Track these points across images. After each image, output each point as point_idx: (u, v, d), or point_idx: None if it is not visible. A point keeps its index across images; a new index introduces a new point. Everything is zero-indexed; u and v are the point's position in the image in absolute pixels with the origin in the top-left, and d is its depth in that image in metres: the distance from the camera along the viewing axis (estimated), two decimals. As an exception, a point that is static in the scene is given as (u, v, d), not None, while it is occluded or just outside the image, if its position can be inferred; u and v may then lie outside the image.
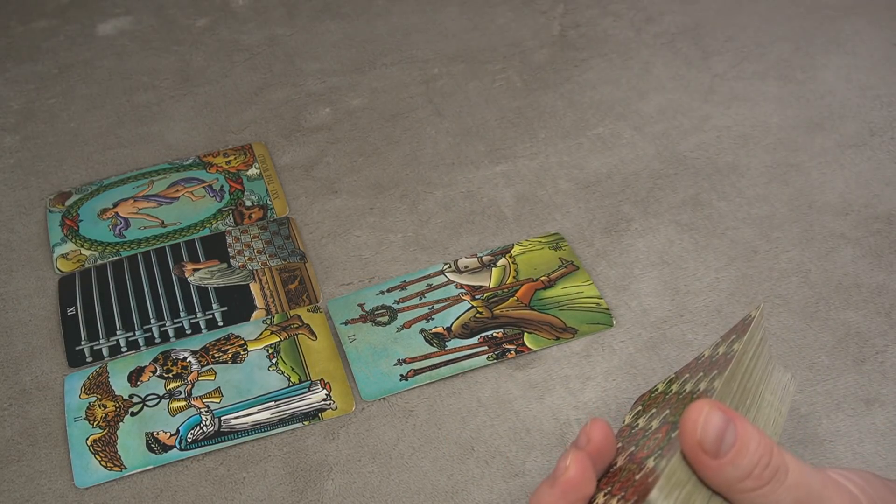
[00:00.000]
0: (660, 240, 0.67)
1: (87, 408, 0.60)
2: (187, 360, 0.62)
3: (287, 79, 0.83)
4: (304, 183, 0.74)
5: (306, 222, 0.71)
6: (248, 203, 0.72)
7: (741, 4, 0.87)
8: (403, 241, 0.69)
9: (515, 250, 0.67)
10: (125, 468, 0.57)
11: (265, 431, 0.58)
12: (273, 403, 0.59)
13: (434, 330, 0.62)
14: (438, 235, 0.69)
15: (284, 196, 0.72)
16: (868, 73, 0.79)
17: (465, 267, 0.66)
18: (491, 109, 0.79)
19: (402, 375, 0.60)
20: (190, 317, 0.65)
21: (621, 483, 0.39)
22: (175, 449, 0.57)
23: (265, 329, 0.63)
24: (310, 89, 0.82)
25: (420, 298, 0.65)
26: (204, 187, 0.74)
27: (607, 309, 0.63)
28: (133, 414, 0.59)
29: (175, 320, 0.64)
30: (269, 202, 0.72)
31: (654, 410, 0.45)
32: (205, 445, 0.57)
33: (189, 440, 0.58)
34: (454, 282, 0.65)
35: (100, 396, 0.60)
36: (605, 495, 0.40)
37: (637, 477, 0.38)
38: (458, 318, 0.63)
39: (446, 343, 0.62)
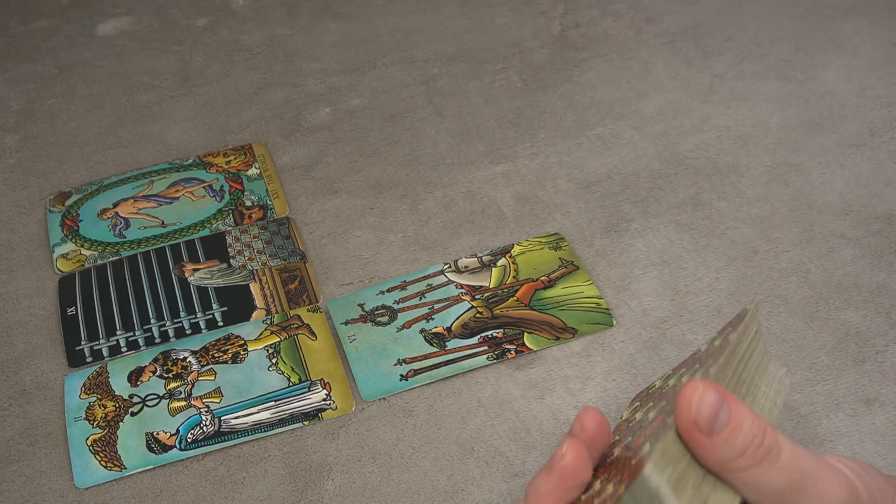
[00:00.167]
0: (660, 240, 0.67)
1: (87, 408, 0.60)
2: (187, 360, 0.62)
3: (287, 79, 0.83)
4: (304, 183, 0.74)
5: (306, 222, 0.71)
6: (248, 203, 0.72)
7: (741, 4, 0.87)
8: (403, 241, 0.69)
9: (515, 250, 0.67)
10: (125, 468, 0.57)
11: (265, 431, 0.58)
12: (273, 403, 0.59)
13: (434, 330, 0.62)
14: (438, 235, 0.69)
15: (284, 196, 0.72)
16: (868, 73, 0.79)
17: (465, 267, 0.66)
18: (491, 109, 0.79)
19: (402, 375, 0.60)
20: (190, 317, 0.65)
21: (618, 469, 0.39)
22: (175, 449, 0.57)
23: (265, 329, 0.63)
24: (310, 89, 0.82)
25: (420, 298, 0.65)
26: (204, 187, 0.74)
27: (607, 309, 0.63)
28: (133, 414, 0.59)
29: (175, 320, 0.64)
30: (269, 202, 0.72)
31: (651, 404, 0.45)
32: (205, 445, 0.57)
33: (189, 440, 0.58)
34: (454, 282, 0.65)
35: (100, 396, 0.60)
36: (601, 482, 0.40)
37: (633, 462, 0.38)
38: (458, 318, 0.63)
39: (446, 343, 0.62)
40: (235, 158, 0.76)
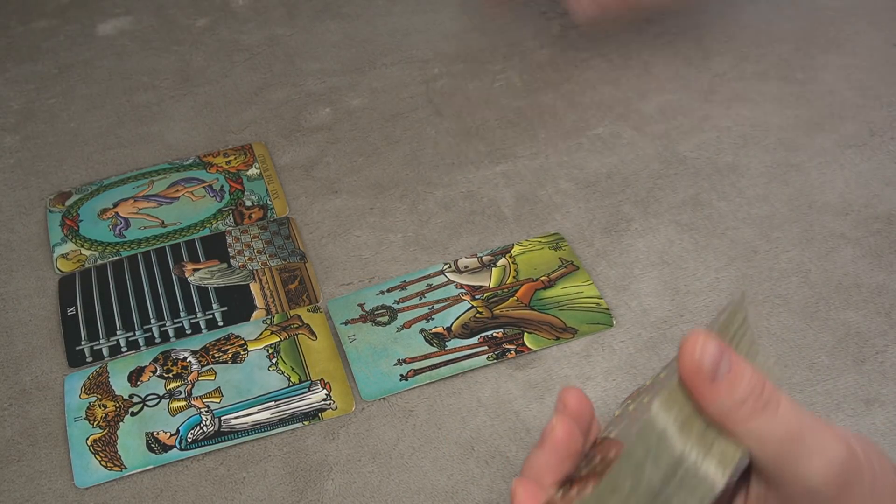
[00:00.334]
0: (660, 240, 0.67)
1: (88, 408, 0.60)
2: (187, 360, 0.62)
3: (287, 79, 0.83)
4: (304, 183, 0.74)
5: (306, 222, 0.71)
6: (248, 203, 0.72)
7: (741, 4, 0.87)
8: (403, 241, 0.69)
9: (515, 250, 0.67)
10: (125, 468, 0.57)
11: (265, 431, 0.58)
12: (273, 403, 0.59)
13: (434, 330, 0.62)
14: (438, 235, 0.69)
15: (284, 196, 0.72)
16: (868, 73, 0.79)
17: (465, 267, 0.66)
18: (491, 109, 0.79)
19: (402, 375, 0.60)
20: (190, 317, 0.65)
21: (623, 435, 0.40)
22: (175, 449, 0.57)
23: (265, 329, 0.63)
24: (310, 89, 0.82)
25: (420, 298, 0.65)
26: (204, 187, 0.74)
27: (607, 309, 0.63)
28: (133, 414, 0.59)
29: (175, 320, 0.64)
30: (269, 202, 0.72)
31: (645, 396, 0.45)
32: (205, 445, 0.57)
33: (189, 440, 0.58)
34: (454, 282, 0.65)
35: (100, 396, 0.60)
36: (601, 452, 0.40)
37: (633, 430, 0.38)
38: (458, 318, 0.63)
39: (446, 343, 0.62)
40: (235, 158, 0.76)
